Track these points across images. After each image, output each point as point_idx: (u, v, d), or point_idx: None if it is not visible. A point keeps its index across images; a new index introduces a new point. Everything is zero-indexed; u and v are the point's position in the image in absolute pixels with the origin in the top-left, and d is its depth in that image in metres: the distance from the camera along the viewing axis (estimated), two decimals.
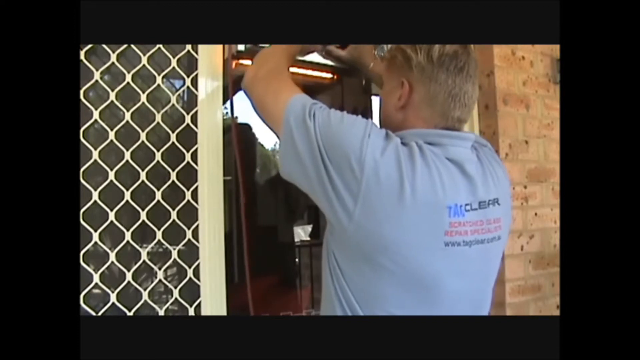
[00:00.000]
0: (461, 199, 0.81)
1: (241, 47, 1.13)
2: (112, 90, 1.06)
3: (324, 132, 0.79)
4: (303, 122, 0.80)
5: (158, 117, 1.10)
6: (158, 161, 1.09)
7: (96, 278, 1.00)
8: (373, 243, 0.78)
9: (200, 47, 1.15)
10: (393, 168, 0.77)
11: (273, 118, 0.87)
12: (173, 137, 1.11)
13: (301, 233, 2.81)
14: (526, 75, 1.72)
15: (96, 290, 1.01)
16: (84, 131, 1.01)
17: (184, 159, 1.12)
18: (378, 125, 0.86)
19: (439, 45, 0.85)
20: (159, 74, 1.11)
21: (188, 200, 1.12)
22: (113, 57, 1.06)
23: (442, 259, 0.79)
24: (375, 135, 0.79)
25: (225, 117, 1.18)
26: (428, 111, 0.86)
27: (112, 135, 1.05)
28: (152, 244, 1.08)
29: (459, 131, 0.88)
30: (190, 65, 1.16)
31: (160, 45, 1.11)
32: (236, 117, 1.18)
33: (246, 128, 2.11)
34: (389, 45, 1.08)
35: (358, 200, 0.76)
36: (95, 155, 1.02)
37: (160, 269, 1.09)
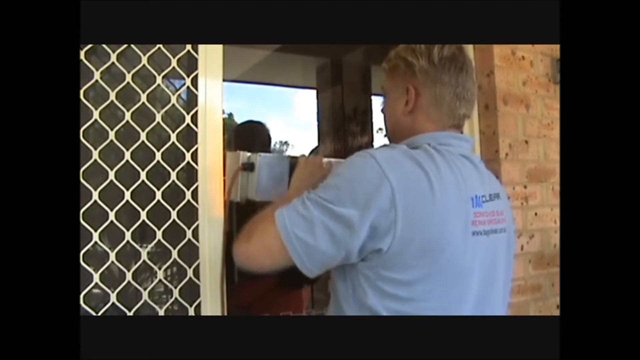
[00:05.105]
0: (478, 190, 0.85)
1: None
2: (112, 90, 1.06)
3: (335, 198, 0.77)
4: (300, 216, 0.77)
5: (158, 117, 1.10)
6: (158, 161, 1.09)
7: (96, 278, 1.00)
8: (413, 250, 0.77)
9: (200, 47, 1.15)
10: (415, 170, 0.79)
11: (275, 245, 0.79)
12: (173, 137, 1.11)
13: None
14: (526, 75, 1.71)
15: (96, 290, 1.01)
16: (84, 131, 1.01)
17: (184, 159, 1.12)
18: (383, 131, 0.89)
19: (437, 49, 0.88)
20: (159, 74, 1.11)
21: (188, 200, 1.11)
22: (113, 57, 1.06)
23: (471, 248, 0.81)
24: (378, 152, 0.80)
25: (225, 117, 1.18)
26: (436, 112, 0.90)
27: (112, 135, 1.05)
28: (152, 244, 1.08)
29: (462, 128, 0.94)
30: (190, 65, 1.16)
31: (160, 45, 1.11)
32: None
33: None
34: None
35: (397, 218, 0.75)
36: (95, 155, 1.02)
37: (160, 269, 1.08)
